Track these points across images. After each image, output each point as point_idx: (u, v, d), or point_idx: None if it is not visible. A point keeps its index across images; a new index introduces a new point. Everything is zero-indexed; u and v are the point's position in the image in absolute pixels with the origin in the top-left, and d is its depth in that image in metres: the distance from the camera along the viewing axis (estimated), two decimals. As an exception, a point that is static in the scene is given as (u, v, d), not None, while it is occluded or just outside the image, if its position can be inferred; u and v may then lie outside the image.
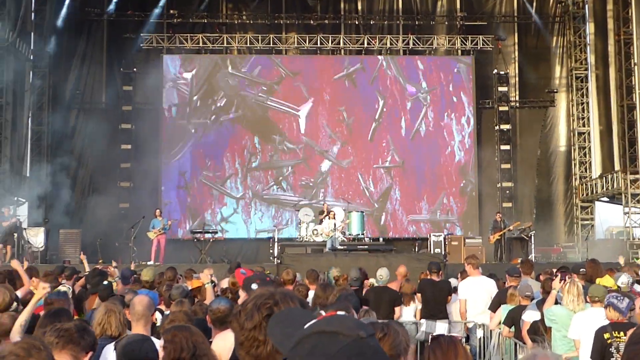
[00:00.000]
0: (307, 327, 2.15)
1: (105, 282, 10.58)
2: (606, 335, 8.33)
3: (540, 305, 10.27)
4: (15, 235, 26.46)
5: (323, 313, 2.34)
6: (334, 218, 25.58)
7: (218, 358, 5.43)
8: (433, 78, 34.33)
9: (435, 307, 13.14)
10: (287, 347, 2.14)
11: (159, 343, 6.17)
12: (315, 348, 2.04)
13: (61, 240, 28.52)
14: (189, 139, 33.47)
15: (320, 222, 26.39)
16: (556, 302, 9.93)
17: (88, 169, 33.85)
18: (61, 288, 9.99)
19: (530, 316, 10.35)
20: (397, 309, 12.85)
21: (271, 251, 26.23)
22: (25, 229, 28.11)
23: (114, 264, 18.30)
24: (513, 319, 10.94)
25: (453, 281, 14.94)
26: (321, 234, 25.60)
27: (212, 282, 10.45)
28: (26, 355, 3.58)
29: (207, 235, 28.25)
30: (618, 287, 11.57)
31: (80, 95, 34.31)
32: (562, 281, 10.12)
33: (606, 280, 11.59)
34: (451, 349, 4.45)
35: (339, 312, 2.28)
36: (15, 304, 8.70)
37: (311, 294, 10.36)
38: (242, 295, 6.32)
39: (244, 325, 2.94)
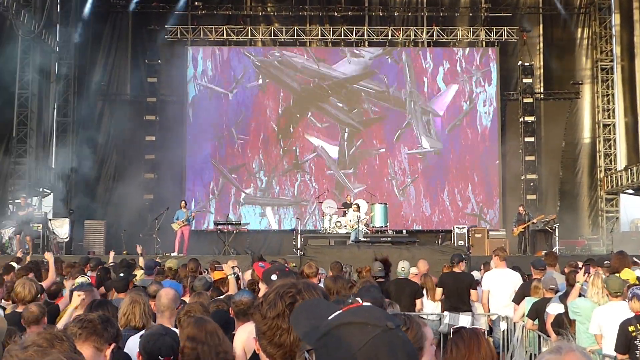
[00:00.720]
0: (332, 318, 2.15)
1: (121, 274, 10.61)
2: (631, 328, 8.31)
3: (564, 298, 10.22)
4: (40, 226, 26.64)
5: (360, 300, 2.35)
6: (358, 210, 25.53)
7: (238, 350, 5.46)
8: (456, 69, 34.20)
9: (458, 300, 13.10)
10: (313, 338, 2.14)
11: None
12: (344, 339, 2.04)
13: (86, 231, 28.71)
14: (212, 128, 33.54)
15: (344, 214, 26.37)
16: (580, 295, 9.89)
17: (113, 160, 34.01)
18: (81, 279, 10.02)
19: (554, 309, 10.31)
20: (418, 301, 12.84)
21: (294, 243, 26.22)
22: (50, 219, 28.29)
23: (139, 250, 18.39)
24: (537, 312, 10.89)
25: (475, 274, 14.89)
26: (345, 226, 25.58)
27: (234, 273, 10.44)
28: (49, 345, 3.60)
29: (231, 227, 28.32)
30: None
31: (105, 87, 34.46)
32: (587, 274, 10.08)
33: (626, 274, 11.51)
34: (474, 342, 4.40)
35: (365, 303, 2.29)
36: (39, 295, 8.79)
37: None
38: (263, 288, 6.33)
39: (266, 314, 2.93)
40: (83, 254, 23.09)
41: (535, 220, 27.06)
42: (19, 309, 7.97)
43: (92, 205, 32.29)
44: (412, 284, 13.02)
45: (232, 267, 10.57)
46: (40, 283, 10.36)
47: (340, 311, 2.19)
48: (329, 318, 2.18)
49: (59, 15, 33.83)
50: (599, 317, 9.08)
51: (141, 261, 16.23)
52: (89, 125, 33.71)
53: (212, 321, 5.13)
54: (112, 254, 18.26)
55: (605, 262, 12.13)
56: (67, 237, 27.55)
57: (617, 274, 10.86)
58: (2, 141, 28.98)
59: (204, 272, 13.75)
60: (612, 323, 8.74)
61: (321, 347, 2.10)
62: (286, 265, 11.88)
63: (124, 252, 23.89)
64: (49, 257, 12.12)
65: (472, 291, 13.15)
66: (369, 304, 2.30)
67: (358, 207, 25.80)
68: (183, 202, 26.75)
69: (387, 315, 2.13)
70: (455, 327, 10.71)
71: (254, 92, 33.92)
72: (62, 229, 27.62)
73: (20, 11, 28.90)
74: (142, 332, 6.48)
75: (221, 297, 9.52)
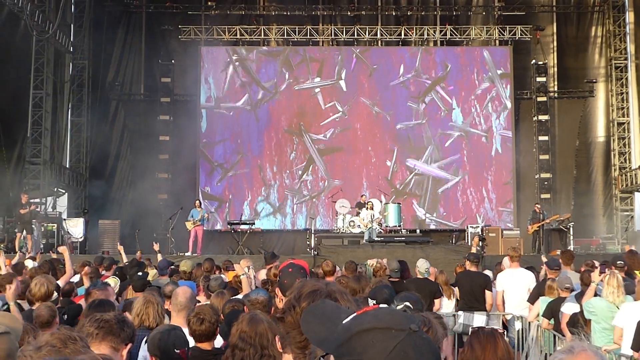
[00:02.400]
0: (351, 323, 2.11)
1: (140, 274, 10.61)
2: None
3: (579, 297, 10.18)
4: (55, 225, 26.70)
5: (374, 302, 2.30)
6: (372, 209, 25.46)
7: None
8: (470, 69, 34.13)
9: (473, 299, 13.04)
10: (333, 344, 2.10)
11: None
12: (370, 346, 2.01)
13: (100, 231, 28.77)
14: (226, 128, 33.59)
15: (357, 213, 26.33)
16: (595, 294, 9.86)
17: (127, 160, 34.08)
18: (109, 281, 10.02)
19: (569, 308, 10.27)
20: (437, 301, 12.76)
21: (308, 243, 26.21)
22: (64, 219, 28.40)
23: (156, 247, 18.44)
24: (552, 311, 10.85)
25: (488, 273, 14.84)
26: (358, 226, 25.55)
27: (245, 273, 10.37)
28: (62, 346, 3.61)
29: (244, 227, 28.34)
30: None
31: (119, 87, 34.53)
32: (602, 273, 10.04)
33: (642, 273, 11.45)
34: (490, 343, 4.36)
35: (382, 305, 2.26)
36: (55, 294, 8.80)
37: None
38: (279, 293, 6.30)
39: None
40: (97, 253, 23.17)
41: (549, 220, 26.98)
42: (33, 307, 7.99)
43: (107, 205, 32.41)
44: (432, 284, 12.90)
45: (249, 267, 10.53)
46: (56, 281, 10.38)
47: (356, 315, 2.15)
48: (346, 322, 2.14)
49: (73, 15, 33.95)
50: (626, 312, 8.99)
51: (159, 257, 16.32)
52: (103, 125, 33.81)
53: (266, 321, 5.10)
54: (121, 248, 18.24)
55: (618, 262, 12.04)
56: (81, 237, 27.65)
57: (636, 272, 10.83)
58: (16, 141, 29.05)
59: (216, 271, 13.73)
60: (634, 321, 8.71)
61: (344, 354, 2.06)
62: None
63: (138, 252, 23.90)
64: (63, 250, 12.09)
65: (487, 293, 13.08)
66: (385, 306, 2.27)
67: (372, 205, 25.74)
68: (197, 202, 26.81)
69: (408, 317, 2.11)
70: (473, 327, 10.68)
71: (267, 92, 33.93)
72: (76, 228, 27.71)
73: (35, 11, 29.00)
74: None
75: (236, 296, 9.50)
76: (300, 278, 4.97)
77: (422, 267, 12.99)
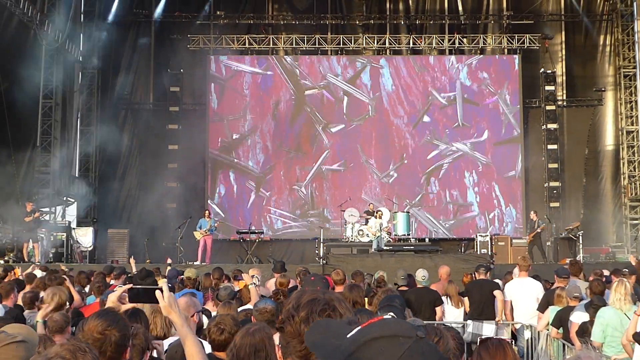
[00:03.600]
0: (358, 334, 2.12)
1: (169, 285, 10.62)
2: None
3: (588, 306, 10.15)
4: (64, 234, 26.73)
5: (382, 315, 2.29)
6: (381, 217, 25.43)
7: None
8: (478, 77, 34.10)
9: (482, 308, 13.04)
10: (340, 356, 2.10)
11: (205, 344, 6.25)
12: (378, 353, 2.01)
13: (109, 240, 28.76)
14: (235, 135, 33.62)
15: (366, 221, 26.29)
16: (605, 304, 9.82)
17: (136, 169, 34.12)
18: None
19: (578, 317, 10.24)
20: (437, 309, 12.76)
21: (317, 252, 26.17)
22: (74, 228, 28.42)
23: (168, 260, 18.52)
24: (561, 320, 10.82)
25: (498, 282, 14.83)
26: (367, 234, 25.50)
27: (253, 283, 10.35)
28: (72, 357, 3.61)
29: (253, 236, 28.33)
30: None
31: (128, 96, 34.62)
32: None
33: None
34: (499, 353, 4.35)
35: (386, 316, 2.27)
36: (67, 304, 8.83)
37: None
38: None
39: (302, 331, 2.83)
40: (107, 263, 23.20)
41: (539, 230, 26.70)
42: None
43: (116, 214, 32.46)
44: (432, 292, 12.93)
45: (252, 277, 10.53)
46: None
47: (361, 327, 2.16)
48: (353, 334, 2.14)
49: (82, 25, 34.06)
50: None
51: (168, 267, 16.39)
52: (112, 134, 33.82)
53: (258, 335, 5.11)
54: (132, 261, 18.32)
55: (624, 269, 12.00)
56: (90, 246, 27.66)
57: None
58: (26, 150, 29.14)
59: (224, 280, 13.73)
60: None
61: None
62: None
63: (147, 261, 23.95)
64: (67, 284, 12.08)
65: (497, 292, 13.09)
66: (390, 316, 2.28)
67: (381, 214, 25.71)
68: (207, 212, 26.84)
69: (414, 325, 2.12)
70: (481, 337, 10.67)
71: (276, 100, 33.95)
72: (85, 237, 27.75)
73: (44, 21, 29.12)
74: (166, 340, 6.53)
75: (245, 306, 9.50)
76: (322, 287, 4.98)
77: (419, 275, 13.04)
